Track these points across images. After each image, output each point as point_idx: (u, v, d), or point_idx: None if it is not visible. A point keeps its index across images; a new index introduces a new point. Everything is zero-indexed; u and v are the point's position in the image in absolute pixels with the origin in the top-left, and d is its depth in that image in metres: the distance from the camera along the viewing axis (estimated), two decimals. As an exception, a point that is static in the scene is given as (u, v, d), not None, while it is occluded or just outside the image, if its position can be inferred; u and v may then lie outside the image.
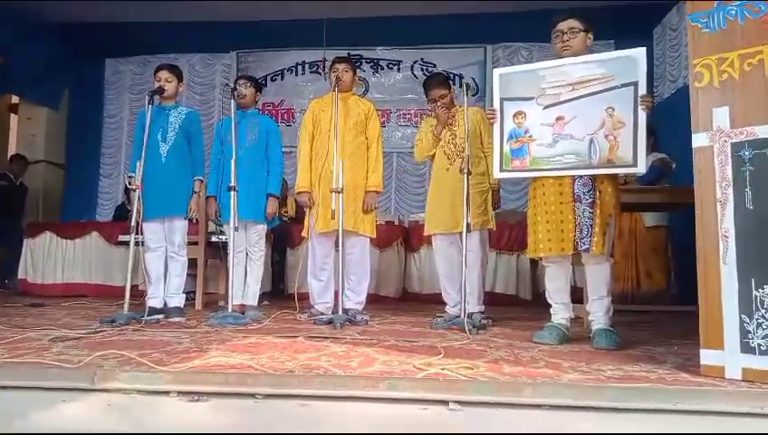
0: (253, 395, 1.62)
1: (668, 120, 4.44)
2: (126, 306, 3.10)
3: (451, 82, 3.63)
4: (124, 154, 7.39)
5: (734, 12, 1.87)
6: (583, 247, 2.43)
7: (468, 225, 2.98)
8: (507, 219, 4.99)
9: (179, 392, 1.63)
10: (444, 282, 3.48)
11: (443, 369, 1.82)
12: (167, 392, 1.65)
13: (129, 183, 3.30)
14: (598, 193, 2.45)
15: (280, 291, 4.99)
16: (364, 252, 3.54)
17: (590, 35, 2.64)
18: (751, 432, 1.45)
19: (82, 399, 1.63)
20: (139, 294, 3.64)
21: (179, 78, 3.51)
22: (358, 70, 4.09)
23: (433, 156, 3.49)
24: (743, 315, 1.75)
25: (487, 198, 3.39)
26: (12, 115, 7.82)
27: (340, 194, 3.13)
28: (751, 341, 1.73)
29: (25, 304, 4.19)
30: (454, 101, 3.53)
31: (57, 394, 1.65)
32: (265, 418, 1.50)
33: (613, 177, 2.53)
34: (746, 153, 1.80)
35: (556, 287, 2.66)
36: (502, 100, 2.68)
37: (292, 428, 1.45)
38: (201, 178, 3.52)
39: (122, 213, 5.82)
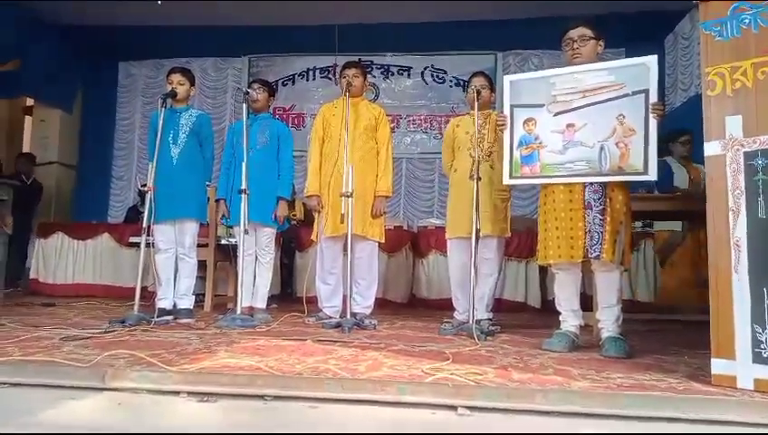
0: (261, 397, 1.63)
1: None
2: (136, 307, 3.13)
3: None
4: (136, 157, 7.46)
5: (747, 20, 1.86)
6: (593, 255, 2.42)
7: (477, 231, 2.98)
8: (516, 226, 4.98)
9: (189, 393, 1.65)
10: (456, 290, 3.42)
11: (451, 374, 1.81)
12: (176, 393, 1.66)
13: (143, 185, 3.34)
14: (608, 200, 2.44)
15: (288, 294, 5.01)
16: (373, 256, 3.55)
17: (601, 43, 2.64)
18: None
19: (93, 397, 1.65)
20: (148, 296, 3.67)
21: (191, 81, 3.55)
22: (368, 75, 4.11)
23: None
24: (755, 325, 1.74)
25: (508, 207, 3.38)
26: (26, 117, 7.92)
27: (350, 198, 3.14)
28: (763, 351, 1.72)
29: (36, 303, 4.23)
30: (491, 102, 3.51)
31: (68, 392, 1.67)
32: (274, 419, 1.51)
33: (624, 184, 2.52)
34: (759, 162, 1.79)
35: (565, 295, 2.65)
36: (512, 106, 2.68)
37: (301, 430, 1.46)
38: (209, 183, 3.55)
39: (134, 215, 5.86)
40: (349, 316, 3.09)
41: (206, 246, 4.06)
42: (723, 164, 1.86)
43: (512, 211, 3.55)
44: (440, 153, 6.48)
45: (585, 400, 1.58)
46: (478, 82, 3.36)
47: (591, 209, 2.45)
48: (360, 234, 3.37)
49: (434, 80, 7.07)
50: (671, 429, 1.48)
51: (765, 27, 1.83)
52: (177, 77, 3.48)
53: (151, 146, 3.37)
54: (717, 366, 1.80)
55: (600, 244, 2.40)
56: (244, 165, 3.25)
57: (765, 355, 1.71)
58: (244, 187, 3.22)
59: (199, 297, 3.95)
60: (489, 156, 3.31)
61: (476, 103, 3.15)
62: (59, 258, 5.34)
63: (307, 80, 7.27)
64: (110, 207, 7.43)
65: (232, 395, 1.65)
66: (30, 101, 7.71)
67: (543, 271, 4.67)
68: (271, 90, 3.79)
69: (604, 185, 2.46)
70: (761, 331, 1.72)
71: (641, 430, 1.47)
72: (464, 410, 1.54)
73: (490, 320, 3.30)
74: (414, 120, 7.08)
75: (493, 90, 3.48)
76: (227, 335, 2.73)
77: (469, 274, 2.96)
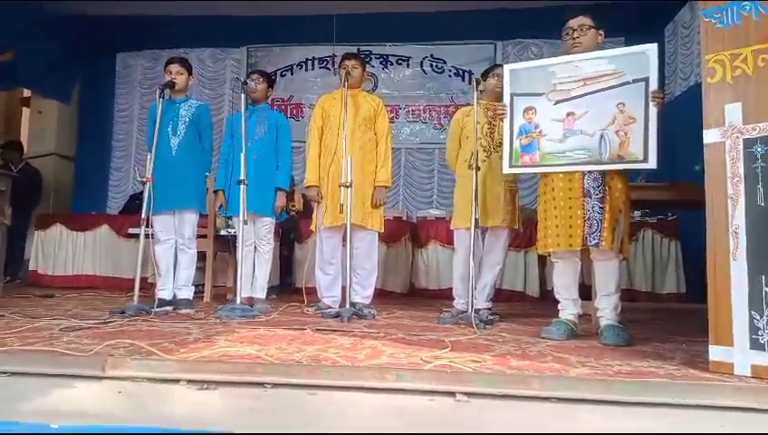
0: (261, 384, 1.63)
1: (680, 118, 4.41)
2: (136, 298, 3.14)
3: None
4: (134, 148, 7.44)
5: (748, 7, 1.85)
6: (592, 242, 2.42)
7: (477, 220, 2.99)
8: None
9: (189, 381, 1.65)
10: (458, 283, 3.37)
11: (450, 362, 1.82)
12: (176, 381, 1.66)
13: (141, 175, 3.34)
14: (607, 189, 2.44)
15: (288, 285, 5.02)
16: (372, 246, 3.55)
17: (601, 33, 2.64)
18: (759, 432, 1.44)
19: (93, 386, 1.65)
20: (148, 287, 3.68)
21: (189, 71, 3.54)
22: (367, 66, 4.09)
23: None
24: (752, 312, 1.74)
25: (516, 199, 3.38)
26: (23, 108, 7.88)
27: (349, 188, 3.14)
28: (760, 337, 1.72)
29: (36, 294, 4.24)
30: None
31: (68, 381, 1.67)
32: (274, 406, 1.51)
33: (623, 172, 2.51)
34: (759, 149, 1.78)
35: (564, 283, 2.66)
36: (512, 95, 2.67)
37: (301, 416, 1.46)
38: (208, 173, 3.54)
39: (132, 205, 5.85)
40: (348, 306, 3.10)
41: (205, 236, 4.07)
42: (722, 151, 1.85)
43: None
44: (440, 143, 6.47)
45: (581, 385, 1.59)
46: (499, 71, 3.30)
47: (591, 197, 2.46)
48: (359, 224, 3.38)
49: (433, 70, 7.04)
50: (668, 414, 1.48)
51: (766, 14, 1.82)
52: (175, 67, 3.46)
53: (150, 137, 3.36)
54: (715, 353, 1.81)
55: (599, 232, 2.41)
56: (242, 156, 3.24)
57: (762, 341, 1.72)
58: (242, 177, 3.22)
59: (199, 288, 3.96)
60: (499, 146, 3.27)
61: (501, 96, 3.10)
62: (58, 250, 5.36)
63: (306, 70, 7.24)
64: (108, 199, 7.41)
65: (232, 383, 1.65)
66: (27, 93, 7.67)
67: (542, 261, 4.69)
68: (269, 80, 3.77)
69: (603, 173, 2.46)
70: (758, 317, 1.73)
71: (639, 415, 1.48)
72: (462, 397, 1.54)
73: (489, 309, 3.31)
74: (413, 111, 7.05)
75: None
76: (227, 325, 2.74)
77: (472, 266, 2.96)
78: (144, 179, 3.23)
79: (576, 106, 2.50)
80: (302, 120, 6.92)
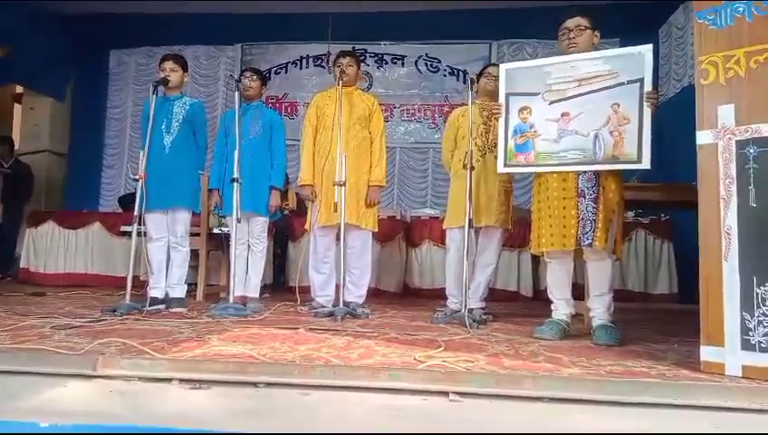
0: (254, 384, 1.63)
1: (673, 119, 4.43)
2: (128, 296, 3.11)
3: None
4: (127, 145, 7.39)
5: (741, 9, 1.86)
6: (586, 242, 2.43)
7: (470, 220, 2.99)
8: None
9: (181, 380, 1.64)
10: (451, 284, 3.36)
11: (443, 362, 1.82)
12: (168, 380, 1.65)
13: (134, 172, 3.33)
14: (601, 189, 2.45)
15: (281, 284, 5.01)
16: (366, 246, 3.55)
17: (597, 33, 2.65)
18: (751, 432, 1.45)
19: (84, 385, 1.64)
20: (140, 285, 3.65)
21: (184, 68, 3.52)
22: (362, 64, 4.08)
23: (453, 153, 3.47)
24: (744, 313, 1.75)
25: (510, 198, 3.38)
26: (16, 105, 7.82)
27: (343, 187, 3.13)
28: (751, 338, 1.73)
29: (27, 292, 4.21)
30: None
31: (59, 380, 1.66)
32: (267, 406, 1.51)
33: (617, 173, 2.52)
34: (751, 151, 1.80)
35: (557, 283, 2.67)
36: (507, 95, 2.67)
37: (294, 416, 1.46)
38: (202, 171, 3.53)
39: (131, 200, 5.80)
40: (341, 305, 3.10)
41: (198, 235, 4.05)
42: (715, 153, 1.86)
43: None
44: (434, 143, 6.47)
45: (574, 385, 1.59)
46: (494, 71, 3.31)
47: (584, 198, 2.46)
48: (353, 223, 3.37)
49: (428, 69, 7.04)
50: (660, 414, 1.49)
51: (759, 16, 1.83)
52: (169, 64, 3.45)
53: (144, 134, 3.34)
54: (706, 353, 1.82)
55: (593, 232, 2.41)
56: (236, 153, 3.23)
57: (753, 342, 1.73)
58: (236, 176, 3.21)
59: (191, 287, 3.94)
60: (495, 146, 3.26)
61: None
62: (50, 247, 5.31)
63: (300, 68, 7.22)
64: (101, 196, 7.36)
65: (224, 382, 1.64)
66: (20, 89, 7.60)
67: (536, 260, 4.70)
68: (263, 78, 3.76)
69: (597, 174, 2.47)
70: (749, 318, 1.74)
71: (631, 415, 1.48)
72: (455, 397, 1.54)
73: (482, 309, 3.32)
74: (408, 110, 7.05)
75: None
76: (220, 324, 2.73)
77: (466, 266, 2.95)
78: (137, 177, 3.21)
79: (571, 106, 2.50)
80: (296, 118, 6.90)
